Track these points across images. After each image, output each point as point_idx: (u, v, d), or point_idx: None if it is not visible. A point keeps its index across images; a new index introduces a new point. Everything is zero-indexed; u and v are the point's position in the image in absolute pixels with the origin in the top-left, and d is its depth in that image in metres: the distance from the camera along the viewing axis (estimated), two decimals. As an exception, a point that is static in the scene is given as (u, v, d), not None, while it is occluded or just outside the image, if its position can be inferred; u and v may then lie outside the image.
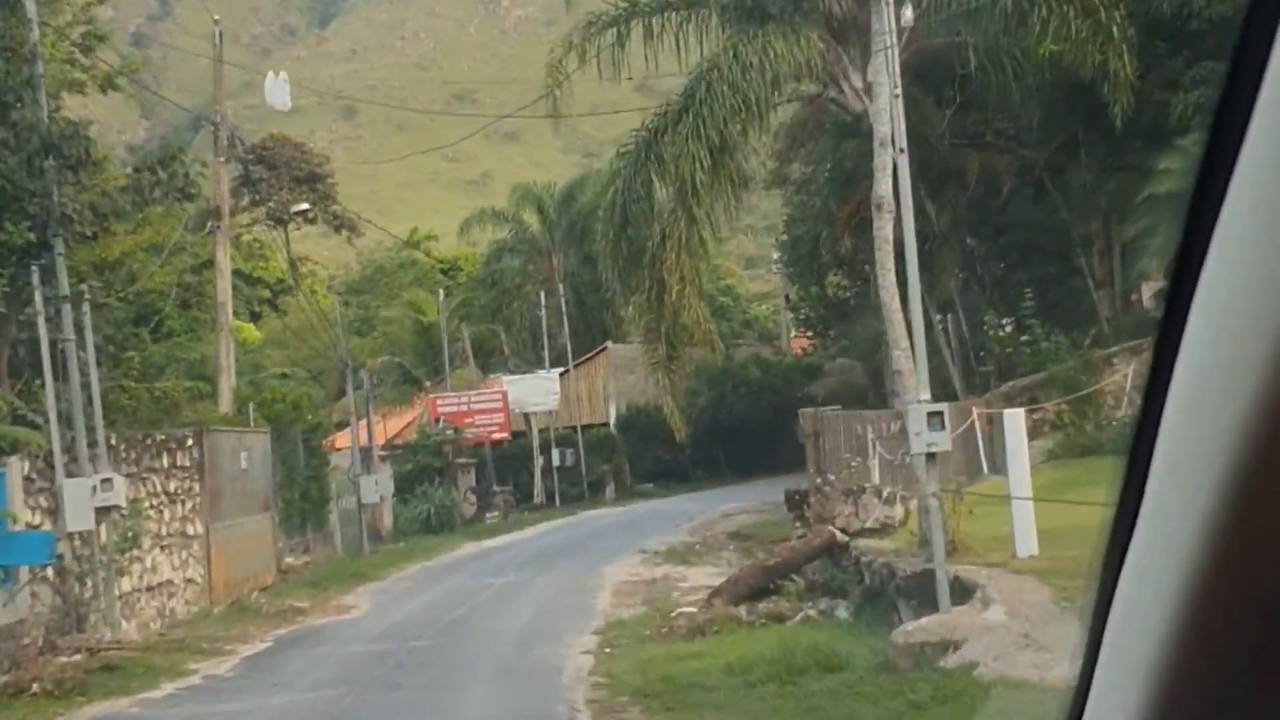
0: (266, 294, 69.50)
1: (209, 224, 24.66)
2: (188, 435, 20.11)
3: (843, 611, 15.30)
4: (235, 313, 64.20)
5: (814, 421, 22.15)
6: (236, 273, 69.06)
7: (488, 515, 37.72)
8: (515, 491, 41.12)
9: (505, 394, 40.73)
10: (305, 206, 54.31)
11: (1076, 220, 29.45)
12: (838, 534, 17.83)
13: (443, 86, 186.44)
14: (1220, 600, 1.02)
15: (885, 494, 18.65)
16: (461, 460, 38.77)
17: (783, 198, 42.17)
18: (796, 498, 23.02)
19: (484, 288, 51.62)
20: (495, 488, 39.92)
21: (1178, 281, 1.01)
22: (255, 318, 59.74)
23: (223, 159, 24.67)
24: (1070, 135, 27.76)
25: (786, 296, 54.10)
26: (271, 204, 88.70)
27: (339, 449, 38.83)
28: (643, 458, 46.10)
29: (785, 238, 47.42)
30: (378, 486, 29.98)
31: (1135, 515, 1.13)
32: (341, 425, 45.66)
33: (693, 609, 17.04)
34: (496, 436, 40.79)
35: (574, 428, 44.52)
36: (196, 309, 29.96)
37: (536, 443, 42.80)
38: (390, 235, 68.21)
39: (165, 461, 19.28)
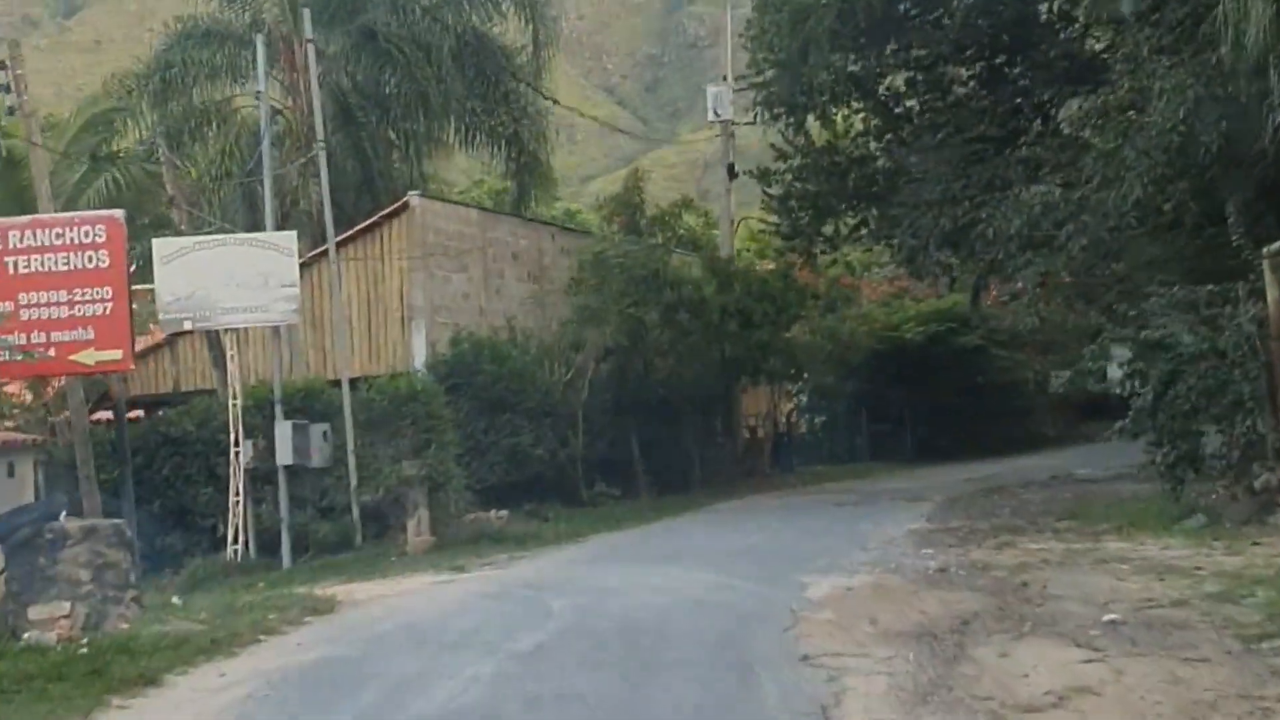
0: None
1: None
2: None
3: None
4: None
5: None
6: None
7: (62, 622, 11.66)
8: (177, 529, 15.29)
9: (113, 226, 14.40)
10: None
11: None
12: None
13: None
14: None
15: None
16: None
17: None
18: None
19: (150, 96, 25.02)
20: (103, 521, 13.49)
21: None
22: None
23: None
24: None
25: (730, 166, 29.68)
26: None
27: None
28: (487, 450, 20.85)
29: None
30: None
31: None
32: None
33: None
34: (95, 362, 14.43)
35: (335, 382, 18.98)
36: None
37: (238, 410, 17.15)
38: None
39: None
